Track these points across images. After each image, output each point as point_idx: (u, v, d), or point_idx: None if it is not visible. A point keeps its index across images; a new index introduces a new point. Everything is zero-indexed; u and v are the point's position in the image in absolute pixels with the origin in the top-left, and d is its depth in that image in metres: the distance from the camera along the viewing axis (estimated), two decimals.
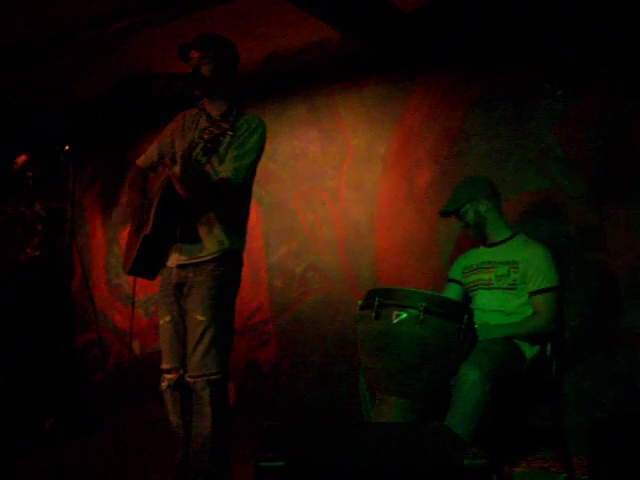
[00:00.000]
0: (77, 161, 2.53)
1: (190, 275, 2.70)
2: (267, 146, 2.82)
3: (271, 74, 4.52)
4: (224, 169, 2.68)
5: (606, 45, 3.38)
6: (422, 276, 3.87)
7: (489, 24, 3.70)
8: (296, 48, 4.39)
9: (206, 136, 2.49)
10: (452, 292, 3.19)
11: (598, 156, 3.40)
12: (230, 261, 2.74)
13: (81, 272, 5.04)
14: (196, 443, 2.65)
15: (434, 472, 1.73)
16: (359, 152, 4.20)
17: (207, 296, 2.66)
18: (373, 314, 2.66)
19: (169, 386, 2.74)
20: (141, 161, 3.00)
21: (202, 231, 2.71)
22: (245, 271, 2.86)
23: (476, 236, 3.14)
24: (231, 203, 2.75)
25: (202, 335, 2.63)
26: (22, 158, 4.81)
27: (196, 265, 2.69)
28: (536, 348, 2.90)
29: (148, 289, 4.59)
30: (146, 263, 2.78)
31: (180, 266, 2.72)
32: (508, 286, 2.96)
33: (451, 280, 3.23)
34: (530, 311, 2.93)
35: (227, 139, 2.64)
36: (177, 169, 2.48)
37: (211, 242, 2.70)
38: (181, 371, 2.72)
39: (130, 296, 3.35)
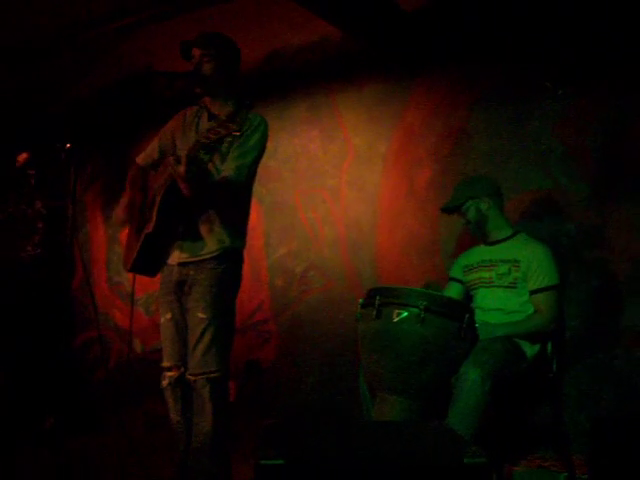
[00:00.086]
0: (78, 159, 2.54)
1: (191, 273, 2.70)
2: (268, 144, 2.82)
3: (272, 73, 4.52)
4: (226, 167, 2.68)
5: (606, 45, 3.38)
6: (423, 275, 3.86)
7: (490, 24, 3.70)
8: (297, 47, 4.39)
9: (212, 136, 2.48)
10: (453, 291, 3.18)
11: (599, 155, 3.40)
12: (231, 259, 2.74)
13: (82, 270, 5.04)
14: (196, 441, 2.65)
15: (434, 471, 1.73)
16: (360, 151, 4.20)
17: (208, 294, 2.66)
18: (374, 313, 2.66)
19: (170, 384, 2.74)
20: (141, 159, 3.00)
21: (203, 229, 2.71)
22: (246, 270, 2.86)
23: (477, 234, 3.14)
24: (232, 201, 2.75)
25: (203, 333, 2.64)
26: (23, 156, 4.81)
27: (197, 263, 2.70)
28: (537, 347, 2.90)
29: (149, 287, 4.60)
30: (147, 261, 2.79)
31: (181, 264, 2.73)
32: (509, 284, 2.96)
33: (452, 279, 3.23)
34: (531, 310, 2.93)
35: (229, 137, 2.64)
36: (182, 169, 2.48)
37: (212, 240, 2.70)
38: (182, 369, 2.72)
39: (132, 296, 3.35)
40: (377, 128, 4.13)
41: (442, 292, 3.19)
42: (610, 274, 3.33)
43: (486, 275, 3.04)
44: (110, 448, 3.59)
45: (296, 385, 4.23)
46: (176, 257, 2.74)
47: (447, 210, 3.18)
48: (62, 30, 4.04)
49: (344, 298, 4.09)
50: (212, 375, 2.63)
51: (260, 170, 2.85)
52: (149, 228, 2.66)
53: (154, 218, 2.64)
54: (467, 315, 2.65)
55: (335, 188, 4.27)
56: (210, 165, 2.69)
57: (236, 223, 2.78)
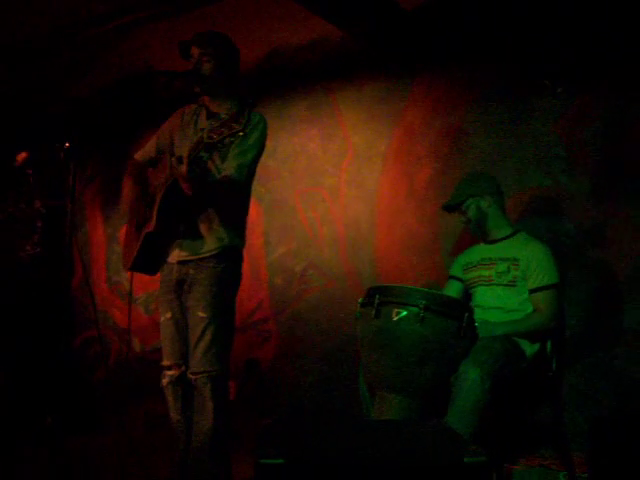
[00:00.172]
0: (77, 158, 2.53)
1: (191, 272, 2.70)
2: (267, 143, 2.81)
3: (271, 71, 4.52)
4: (227, 166, 2.68)
5: (606, 45, 3.38)
6: (422, 274, 3.87)
7: (489, 23, 3.70)
8: (297, 45, 4.39)
9: (216, 137, 2.47)
10: (453, 290, 3.18)
11: (599, 154, 3.40)
12: (230, 258, 2.74)
13: (81, 270, 5.04)
14: (197, 440, 2.65)
15: (434, 470, 1.73)
16: (359, 150, 4.20)
17: (208, 293, 2.66)
18: (373, 312, 2.66)
19: (170, 382, 2.74)
20: (139, 155, 3.00)
21: (202, 228, 2.71)
22: (245, 269, 2.86)
23: (477, 233, 3.14)
24: (232, 200, 2.75)
25: (203, 332, 2.64)
26: (22, 156, 4.82)
27: (197, 261, 2.70)
28: (536, 346, 2.90)
29: (148, 286, 4.61)
30: (148, 260, 2.79)
31: (181, 262, 2.73)
32: (508, 283, 2.96)
33: (452, 277, 3.23)
34: (530, 308, 2.92)
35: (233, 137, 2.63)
36: (184, 169, 2.48)
37: (211, 239, 2.70)
38: (182, 367, 2.72)
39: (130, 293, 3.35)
40: (377, 127, 4.14)
41: (442, 291, 3.19)
42: (610, 273, 3.33)
43: (486, 273, 3.04)
44: (110, 448, 3.58)
45: (296, 384, 4.23)
46: (176, 255, 2.74)
47: (448, 207, 3.18)
48: (62, 29, 4.04)
49: (343, 297, 4.09)
50: (213, 373, 2.63)
51: (259, 169, 2.84)
52: (149, 227, 2.66)
53: (154, 217, 2.64)
54: (467, 314, 2.65)
55: (334, 187, 4.27)
56: (210, 163, 2.68)
57: (235, 222, 2.78)
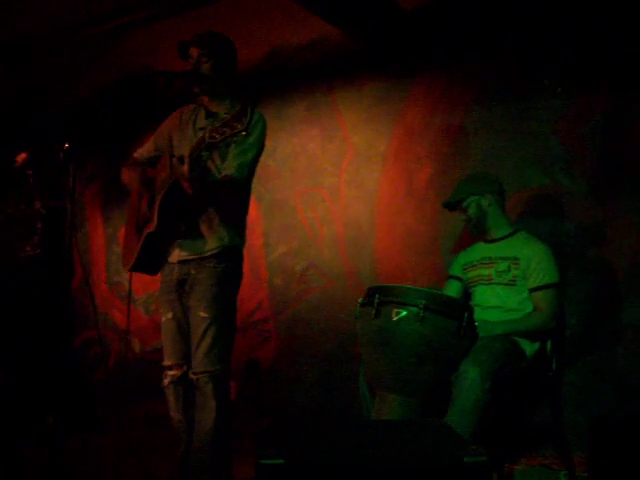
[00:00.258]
0: (77, 159, 2.53)
1: (192, 272, 2.70)
2: (267, 143, 2.81)
3: (271, 71, 4.52)
4: (227, 166, 2.68)
5: (606, 45, 3.38)
6: (422, 273, 3.87)
7: (489, 22, 3.70)
8: (296, 45, 4.39)
9: (218, 137, 2.46)
10: (452, 289, 3.18)
11: (598, 154, 3.40)
12: (230, 257, 2.74)
13: (81, 270, 5.04)
14: (198, 440, 2.65)
15: (434, 469, 1.72)
16: (359, 150, 4.20)
17: (209, 293, 2.66)
18: (373, 312, 2.66)
19: (171, 382, 2.74)
20: (138, 154, 3.00)
21: (203, 227, 2.71)
22: (245, 269, 2.86)
23: (477, 231, 3.14)
24: (232, 199, 2.75)
25: (205, 332, 2.64)
26: (22, 156, 4.81)
27: (197, 261, 2.70)
28: (536, 345, 2.90)
29: (149, 287, 4.61)
30: (149, 260, 2.79)
31: (181, 262, 2.73)
32: (508, 282, 2.96)
33: (452, 276, 3.23)
34: (530, 307, 2.92)
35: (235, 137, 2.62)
36: (185, 169, 2.48)
37: (212, 238, 2.70)
38: (184, 367, 2.73)
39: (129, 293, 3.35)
40: (376, 127, 4.13)
41: (441, 291, 3.19)
42: (610, 272, 3.33)
43: (485, 272, 3.04)
44: (110, 448, 3.58)
45: (296, 384, 4.23)
46: (176, 255, 2.74)
47: (448, 205, 3.18)
48: (62, 29, 4.04)
49: (343, 297, 4.09)
50: (215, 373, 2.63)
51: (259, 169, 2.85)
52: (151, 228, 2.66)
53: (155, 217, 2.64)
54: (466, 314, 2.65)
55: (334, 187, 4.27)
56: (210, 163, 2.69)
57: (235, 221, 2.79)
